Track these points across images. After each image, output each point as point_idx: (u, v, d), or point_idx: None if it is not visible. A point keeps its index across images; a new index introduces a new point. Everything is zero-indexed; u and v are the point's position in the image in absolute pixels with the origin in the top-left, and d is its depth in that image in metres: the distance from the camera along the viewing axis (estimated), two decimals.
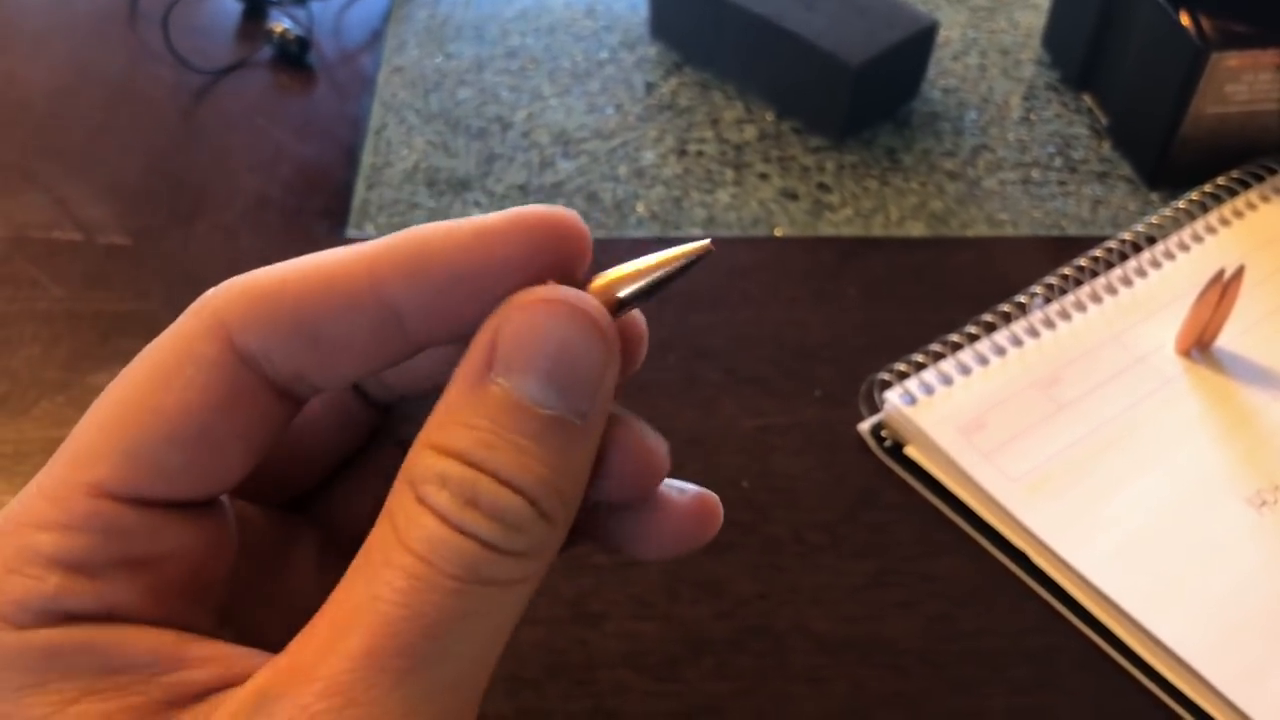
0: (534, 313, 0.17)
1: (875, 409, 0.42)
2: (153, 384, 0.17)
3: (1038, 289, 0.45)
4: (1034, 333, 0.44)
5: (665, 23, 0.59)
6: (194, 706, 0.16)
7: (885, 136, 0.55)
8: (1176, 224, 0.49)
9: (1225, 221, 0.49)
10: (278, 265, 0.18)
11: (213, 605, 0.19)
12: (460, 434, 0.16)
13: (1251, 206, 0.50)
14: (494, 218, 0.18)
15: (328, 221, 0.50)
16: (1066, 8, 0.58)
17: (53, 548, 0.17)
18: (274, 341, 0.17)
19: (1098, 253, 0.47)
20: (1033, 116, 0.57)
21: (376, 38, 0.61)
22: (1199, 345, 0.44)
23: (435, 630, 0.16)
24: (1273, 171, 0.51)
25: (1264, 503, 0.39)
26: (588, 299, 0.17)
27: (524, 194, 0.52)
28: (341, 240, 0.49)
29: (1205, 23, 0.50)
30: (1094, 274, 0.46)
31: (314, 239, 0.50)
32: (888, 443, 0.41)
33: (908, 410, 0.40)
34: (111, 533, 0.17)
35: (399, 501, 0.17)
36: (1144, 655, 0.35)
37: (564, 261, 0.18)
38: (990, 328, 0.44)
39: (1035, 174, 0.54)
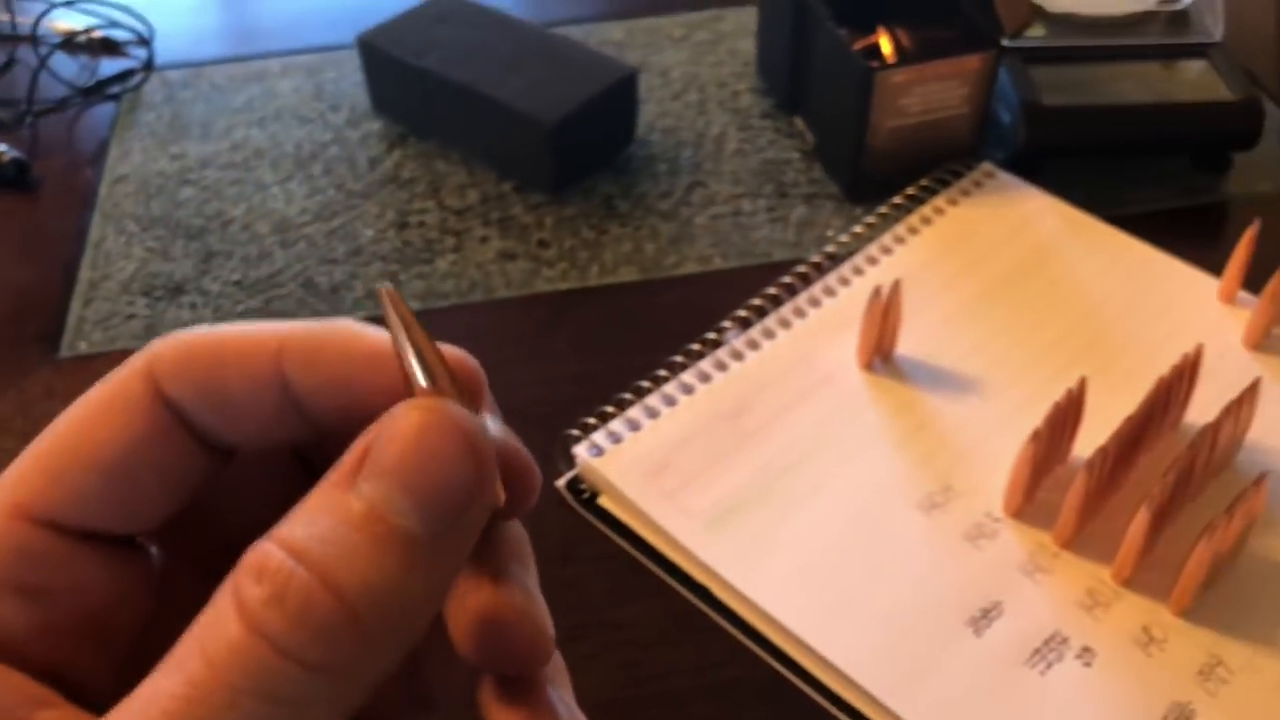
0: (411, 419, 0.16)
1: (572, 464, 0.43)
2: (85, 417, 0.18)
3: (727, 322, 0.47)
4: (722, 366, 0.45)
5: (384, 98, 0.60)
6: None
7: (605, 184, 0.57)
8: (868, 239, 0.51)
9: (914, 230, 0.51)
10: (223, 326, 0.19)
11: (116, 652, 0.18)
12: (301, 526, 0.15)
13: (939, 212, 0.52)
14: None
15: (41, 345, 0.50)
16: (769, 36, 0.61)
17: None
18: (189, 392, 0.18)
19: (788, 278, 0.48)
20: (747, 146, 0.59)
21: (103, 148, 0.61)
22: (880, 357, 0.45)
23: None
24: (958, 175, 0.53)
25: (934, 505, 0.40)
26: (468, 416, 0.16)
27: (240, 289, 0.52)
28: (54, 363, 0.49)
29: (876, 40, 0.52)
30: (788, 298, 0.48)
31: (27, 366, 0.49)
32: (585, 495, 0.42)
33: (595, 462, 0.41)
34: (17, 554, 0.17)
35: (220, 593, 0.15)
36: (821, 677, 0.37)
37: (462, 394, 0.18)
38: (682, 367, 0.45)
39: (746, 205, 0.55)
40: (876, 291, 0.43)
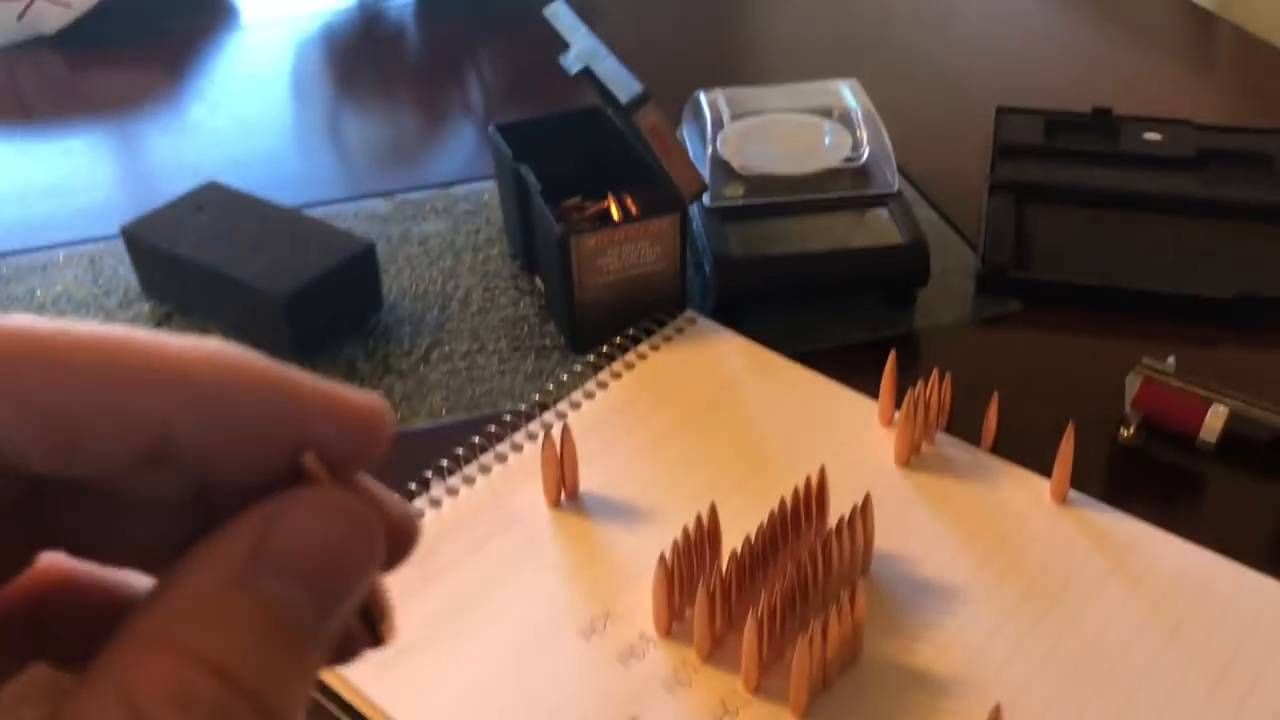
0: (318, 519, 0.16)
1: None
2: None
3: (429, 473, 0.50)
4: (418, 516, 0.49)
5: (151, 282, 0.65)
6: None
7: (351, 348, 0.61)
8: (574, 386, 0.55)
9: (616, 375, 0.56)
10: (68, 328, 0.16)
11: None
12: (215, 638, 0.15)
13: (641, 358, 0.57)
14: (319, 391, 0.17)
15: None
16: (506, 205, 0.67)
17: None
18: (23, 428, 0.15)
19: (494, 428, 0.53)
20: (489, 305, 0.64)
21: None
22: (566, 494, 0.49)
23: None
24: (663, 324, 0.59)
25: (594, 631, 0.44)
26: (372, 518, 0.16)
27: None
28: None
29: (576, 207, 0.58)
30: (493, 445, 0.52)
31: None
32: None
33: None
34: None
35: (115, 707, 0.14)
36: None
37: (362, 452, 0.18)
38: None
39: (480, 360, 0.60)
40: (547, 436, 0.48)
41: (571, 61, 0.59)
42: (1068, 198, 0.68)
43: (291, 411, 0.18)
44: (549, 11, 0.62)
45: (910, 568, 0.46)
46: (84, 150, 0.83)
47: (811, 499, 0.45)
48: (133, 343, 0.16)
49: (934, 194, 0.72)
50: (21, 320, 0.16)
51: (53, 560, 0.19)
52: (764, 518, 0.45)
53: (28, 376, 0.15)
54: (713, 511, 0.44)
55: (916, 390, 0.49)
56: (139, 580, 0.19)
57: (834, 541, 0.43)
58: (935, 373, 0.51)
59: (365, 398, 0.18)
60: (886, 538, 0.46)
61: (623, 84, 0.55)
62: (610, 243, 0.56)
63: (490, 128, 0.64)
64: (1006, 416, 0.51)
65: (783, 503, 0.44)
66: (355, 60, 0.97)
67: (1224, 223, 0.66)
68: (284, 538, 0.16)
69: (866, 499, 0.44)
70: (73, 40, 0.96)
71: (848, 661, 0.42)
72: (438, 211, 0.72)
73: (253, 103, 0.88)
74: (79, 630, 0.19)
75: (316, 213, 0.72)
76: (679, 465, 0.51)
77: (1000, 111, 0.76)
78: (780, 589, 0.41)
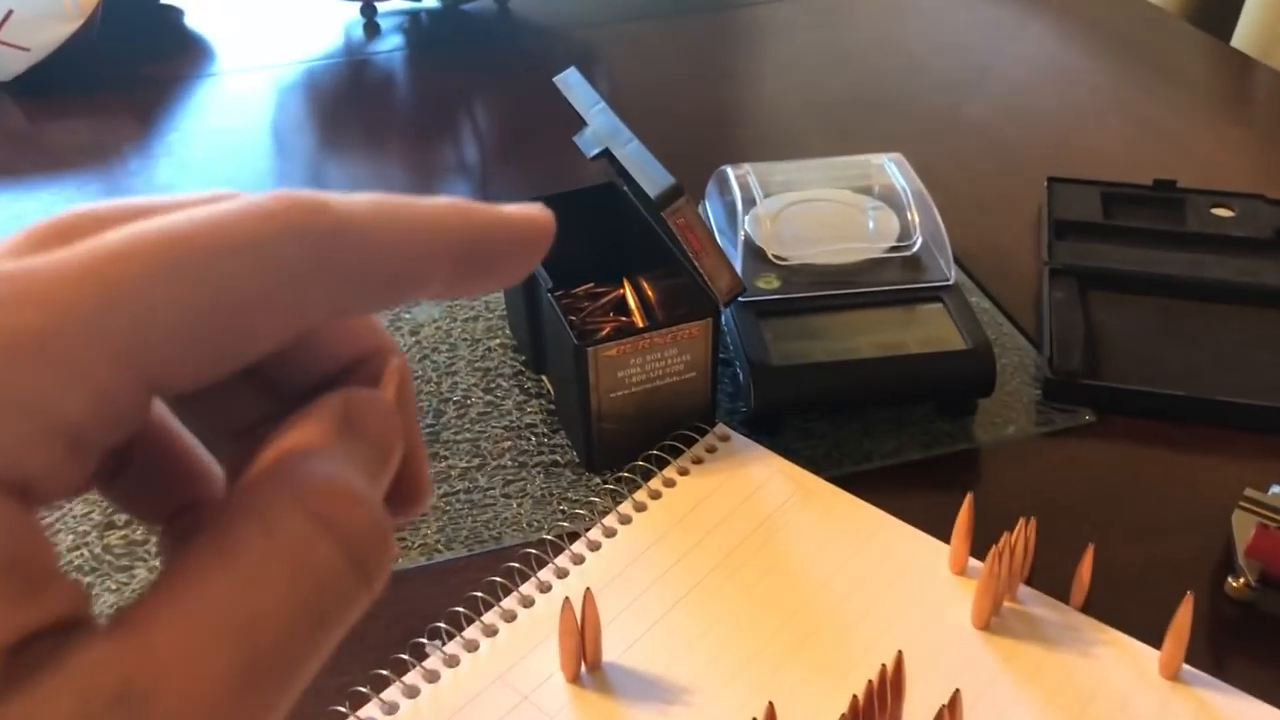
0: (378, 405, 0.19)
1: None
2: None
3: (424, 637, 0.43)
4: (413, 692, 0.41)
5: None
6: (34, 646, 0.14)
7: None
8: (591, 522, 0.48)
9: (641, 507, 0.48)
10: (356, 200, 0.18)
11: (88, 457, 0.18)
12: (343, 465, 0.17)
13: (669, 484, 0.49)
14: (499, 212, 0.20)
15: None
16: (511, 296, 0.59)
17: None
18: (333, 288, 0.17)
19: (497, 577, 0.45)
20: (491, 410, 0.56)
21: None
22: (588, 668, 0.42)
23: (304, 659, 0.16)
24: (690, 441, 0.51)
25: None
26: (398, 419, 0.19)
27: None
28: None
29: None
30: (500, 598, 0.44)
31: None
32: None
33: None
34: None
35: (282, 511, 0.16)
36: None
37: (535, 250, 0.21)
38: (365, 699, 0.41)
39: (482, 479, 0.53)
40: (566, 604, 0.40)
41: (588, 142, 0.51)
42: (1135, 284, 0.61)
43: (499, 242, 0.20)
44: (560, 80, 0.55)
45: None
46: (39, 213, 0.75)
47: (886, 686, 0.38)
48: (407, 208, 0.18)
49: (983, 276, 0.65)
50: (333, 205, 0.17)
51: (161, 410, 0.21)
52: (833, 684, 0.37)
53: (340, 258, 0.17)
54: (770, 714, 0.36)
55: (1001, 543, 0.42)
56: (215, 467, 0.21)
57: None
58: (1022, 522, 0.43)
59: (531, 210, 0.20)
60: None
61: (651, 176, 0.48)
62: (633, 351, 0.49)
63: None
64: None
65: (854, 701, 0.37)
66: (340, 112, 0.89)
67: None
68: (360, 414, 0.19)
69: (956, 697, 0.37)
70: (31, 88, 0.89)
71: None
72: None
73: (228, 159, 0.81)
74: (147, 478, 0.20)
75: None
76: (718, 626, 0.43)
77: (1052, 182, 0.69)
78: None
